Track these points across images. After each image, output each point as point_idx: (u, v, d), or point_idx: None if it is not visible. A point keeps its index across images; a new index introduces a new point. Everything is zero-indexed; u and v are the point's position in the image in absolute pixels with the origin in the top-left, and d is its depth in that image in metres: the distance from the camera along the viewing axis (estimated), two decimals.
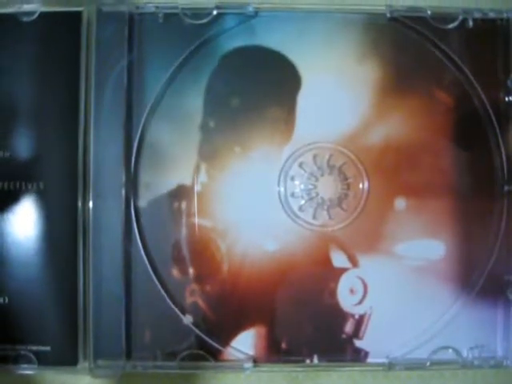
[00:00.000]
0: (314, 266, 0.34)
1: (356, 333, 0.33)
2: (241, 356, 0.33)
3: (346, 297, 0.33)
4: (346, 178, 0.34)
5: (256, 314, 0.33)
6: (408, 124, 0.34)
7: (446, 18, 0.34)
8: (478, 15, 0.34)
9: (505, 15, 0.34)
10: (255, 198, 0.34)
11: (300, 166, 0.34)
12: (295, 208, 0.34)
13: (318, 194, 0.34)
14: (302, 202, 0.34)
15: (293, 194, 0.34)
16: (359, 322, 0.33)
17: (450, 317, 0.33)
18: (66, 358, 0.33)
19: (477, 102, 0.34)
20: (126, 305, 0.33)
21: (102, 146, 0.33)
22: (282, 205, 0.34)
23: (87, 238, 0.33)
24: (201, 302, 0.33)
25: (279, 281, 0.33)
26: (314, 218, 0.34)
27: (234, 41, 0.34)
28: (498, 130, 0.34)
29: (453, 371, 0.34)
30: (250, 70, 0.34)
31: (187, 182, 0.33)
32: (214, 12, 0.33)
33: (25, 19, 0.34)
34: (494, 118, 0.33)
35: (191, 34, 0.33)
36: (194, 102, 0.33)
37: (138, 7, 0.33)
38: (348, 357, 0.33)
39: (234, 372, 0.34)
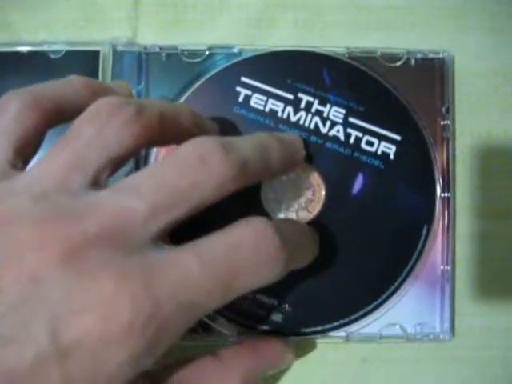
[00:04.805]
0: None
1: None
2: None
3: None
4: None
5: None
6: None
7: (392, 57, 0.42)
8: (419, 55, 0.42)
9: (441, 55, 0.42)
10: None
11: None
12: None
13: None
14: None
15: None
16: None
17: (398, 299, 0.41)
18: None
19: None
20: None
21: None
22: None
23: None
24: None
25: None
26: None
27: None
28: (433, 146, 0.41)
29: (400, 344, 0.41)
30: None
31: None
32: (207, 52, 0.41)
33: (53, 56, 0.42)
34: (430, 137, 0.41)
35: (188, 70, 0.41)
36: None
37: (145, 48, 0.41)
38: None
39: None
